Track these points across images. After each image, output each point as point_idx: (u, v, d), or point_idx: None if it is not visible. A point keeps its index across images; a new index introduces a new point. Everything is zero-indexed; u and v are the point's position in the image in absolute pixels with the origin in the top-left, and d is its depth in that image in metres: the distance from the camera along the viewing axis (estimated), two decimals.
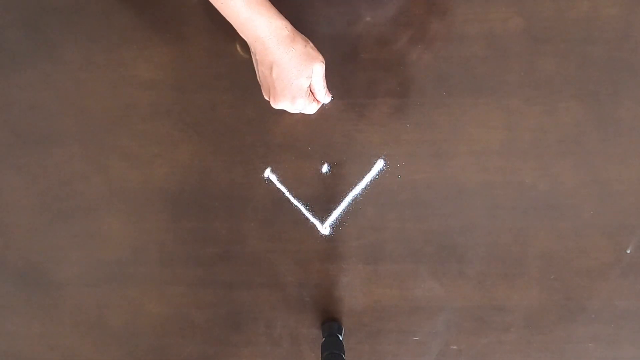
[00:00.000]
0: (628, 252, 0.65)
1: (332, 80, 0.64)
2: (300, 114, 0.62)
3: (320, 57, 0.58)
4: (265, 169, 0.66)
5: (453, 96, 0.65)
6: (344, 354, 0.61)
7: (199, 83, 0.66)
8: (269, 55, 0.55)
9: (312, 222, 0.67)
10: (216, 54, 0.66)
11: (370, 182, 0.66)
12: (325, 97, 0.62)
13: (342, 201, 0.66)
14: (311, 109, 0.61)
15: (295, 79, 0.56)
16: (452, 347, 0.67)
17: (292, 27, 0.57)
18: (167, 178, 0.67)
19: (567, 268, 0.66)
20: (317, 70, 0.58)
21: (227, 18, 0.55)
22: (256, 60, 0.58)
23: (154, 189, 0.67)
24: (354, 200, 0.66)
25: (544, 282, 0.66)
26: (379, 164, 0.66)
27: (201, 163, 0.66)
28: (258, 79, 0.60)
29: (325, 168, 0.66)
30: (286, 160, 0.66)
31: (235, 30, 0.55)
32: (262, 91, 0.60)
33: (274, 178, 0.66)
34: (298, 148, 0.66)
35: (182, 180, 0.67)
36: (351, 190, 0.66)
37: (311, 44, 0.58)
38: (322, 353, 0.62)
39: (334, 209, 0.66)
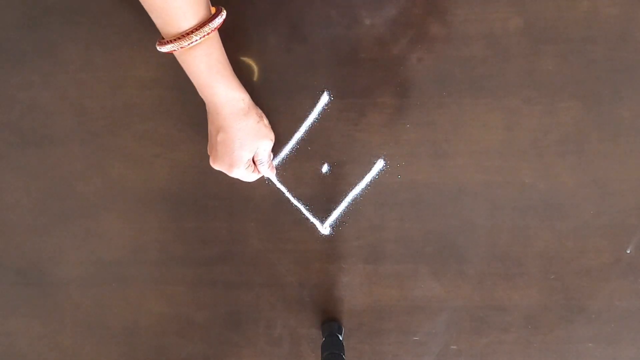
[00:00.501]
0: (628, 252, 0.65)
1: (333, 80, 0.64)
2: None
3: (271, 135, 0.61)
4: None
5: (453, 96, 0.65)
6: (344, 354, 0.61)
7: None
8: (219, 120, 0.56)
9: (312, 222, 0.67)
10: None
11: (370, 182, 0.66)
12: (267, 171, 0.63)
13: (342, 201, 0.66)
14: (250, 178, 0.62)
15: (238, 149, 0.57)
16: (452, 347, 0.67)
17: (251, 100, 0.58)
18: (167, 178, 0.67)
19: (567, 268, 0.66)
20: (263, 146, 0.60)
21: (189, 76, 0.55)
22: (208, 118, 0.59)
23: (154, 189, 0.67)
24: (354, 200, 0.66)
25: (544, 282, 0.66)
26: (379, 164, 0.66)
27: (201, 163, 0.66)
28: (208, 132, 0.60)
29: (325, 168, 0.66)
30: (286, 160, 0.66)
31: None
32: (208, 147, 0.61)
33: (274, 178, 0.66)
34: (298, 148, 0.66)
35: (182, 180, 0.67)
36: (351, 190, 0.66)
37: (266, 121, 0.60)
38: (322, 353, 0.62)
39: (334, 209, 0.66)
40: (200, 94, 0.57)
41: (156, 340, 0.69)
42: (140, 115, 0.67)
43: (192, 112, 0.66)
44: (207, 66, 0.53)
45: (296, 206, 0.67)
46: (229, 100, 0.56)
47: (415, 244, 0.66)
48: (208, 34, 0.51)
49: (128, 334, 0.69)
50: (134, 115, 0.67)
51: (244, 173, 0.60)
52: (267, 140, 0.60)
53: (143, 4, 0.50)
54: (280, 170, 0.66)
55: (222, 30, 0.54)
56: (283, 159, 0.66)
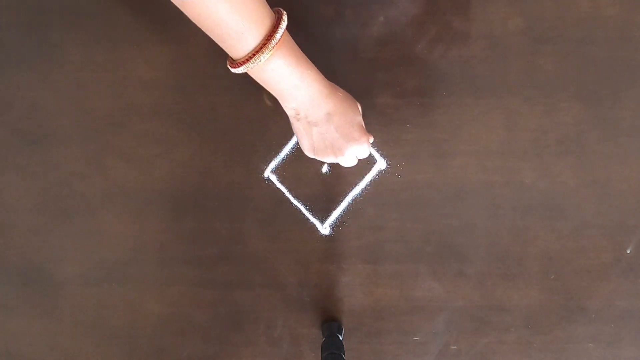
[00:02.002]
0: (628, 252, 0.65)
1: (333, 80, 0.64)
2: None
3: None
4: (265, 169, 0.66)
5: (453, 96, 0.65)
6: (344, 354, 0.61)
7: (199, 83, 0.66)
8: (322, 108, 0.54)
9: (312, 222, 0.67)
10: (216, 54, 0.66)
11: (370, 182, 0.66)
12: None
13: (342, 201, 0.66)
14: (366, 152, 0.59)
15: (354, 119, 0.56)
16: (452, 347, 0.67)
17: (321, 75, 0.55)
18: (167, 178, 0.67)
19: (567, 268, 0.66)
20: (360, 110, 0.58)
21: (274, 86, 0.52)
22: (307, 123, 0.55)
23: (154, 189, 0.67)
24: (354, 200, 0.66)
25: (544, 282, 0.66)
26: (379, 164, 0.66)
27: (201, 163, 0.66)
28: (309, 146, 0.57)
29: (325, 168, 0.66)
30: (286, 160, 0.66)
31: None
32: (323, 155, 0.57)
33: (274, 178, 0.66)
34: (298, 148, 0.66)
35: (182, 180, 0.67)
36: (351, 190, 0.66)
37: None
38: (322, 353, 0.62)
39: (334, 209, 0.66)
40: (296, 92, 0.52)
41: (156, 340, 0.69)
42: (140, 115, 0.67)
43: (192, 112, 0.66)
44: (288, 69, 0.50)
45: (296, 206, 0.67)
46: (324, 81, 0.54)
47: (415, 244, 0.66)
48: (274, 47, 0.48)
49: (128, 334, 0.69)
50: (134, 115, 0.67)
51: (369, 140, 0.57)
52: (358, 103, 0.59)
53: (204, 30, 0.48)
54: (281, 170, 0.66)
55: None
56: (283, 159, 0.66)
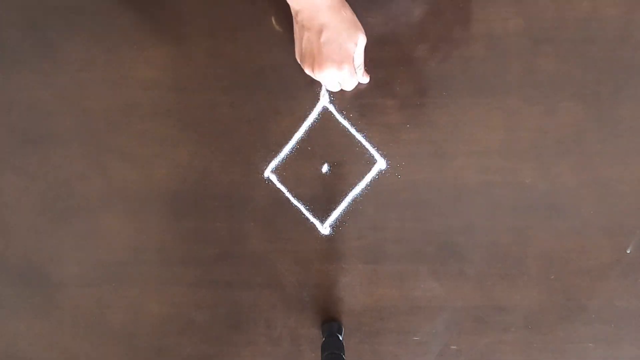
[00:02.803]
0: (628, 252, 0.65)
1: None
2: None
3: (363, 30, 0.58)
4: (265, 169, 0.66)
5: (453, 96, 0.65)
6: (344, 354, 0.61)
7: (199, 83, 0.66)
8: (319, 18, 0.54)
9: (312, 222, 0.67)
10: (216, 54, 0.66)
11: (370, 182, 0.66)
12: (363, 77, 0.62)
13: (342, 201, 0.66)
14: (352, 82, 0.60)
15: (344, 42, 0.55)
16: (452, 347, 0.67)
17: None
18: (167, 178, 0.67)
19: (567, 268, 0.66)
20: (361, 40, 0.57)
21: None
22: (302, 26, 0.56)
23: (154, 189, 0.67)
24: (354, 200, 0.66)
25: (544, 282, 0.66)
26: (379, 164, 0.66)
27: (201, 163, 0.66)
28: (298, 51, 0.58)
29: (325, 168, 0.66)
30: (286, 160, 0.66)
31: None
32: (304, 63, 0.58)
33: (274, 178, 0.66)
34: (298, 148, 0.66)
35: (182, 180, 0.67)
36: (351, 190, 0.66)
37: (355, 16, 0.58)
38: (322, 353, 0.62)
39: (334, 209, 0.66)
40: (293, 1, 0.55)
41: (156, 340, 0.69)
42: (140, 115, 0.67)
43: (192, 112, 0.66)
44: None
45: (296, 206, 0.67)
46: None
47: (415, 244, 0.66)
48: None
49: (128, 334, 0.69)
50: (134, 115, 0.67)
51: (351, 71, 0.58)
52: (363, 34, 0.58)
53: None
54: (281, 170, 0.66)
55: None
56: (283, 159, 0.66)
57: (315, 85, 0.65)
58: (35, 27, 0.66)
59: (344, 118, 0.65)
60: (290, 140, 0.66)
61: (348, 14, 0.56)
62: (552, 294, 0.66)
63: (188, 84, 0.66)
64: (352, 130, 0.65)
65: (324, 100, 0.65)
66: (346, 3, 0.57)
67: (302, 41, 0.57)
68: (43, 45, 0.66)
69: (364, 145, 0.65)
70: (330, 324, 0.66)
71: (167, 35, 0.66)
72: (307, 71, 0.59)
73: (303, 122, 0.66)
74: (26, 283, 0.69)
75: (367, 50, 0.64)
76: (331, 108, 0.65)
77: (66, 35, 0.66)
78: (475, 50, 0.64)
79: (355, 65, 0.59)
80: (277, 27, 0.65)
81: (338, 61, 0.56)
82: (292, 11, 0.57)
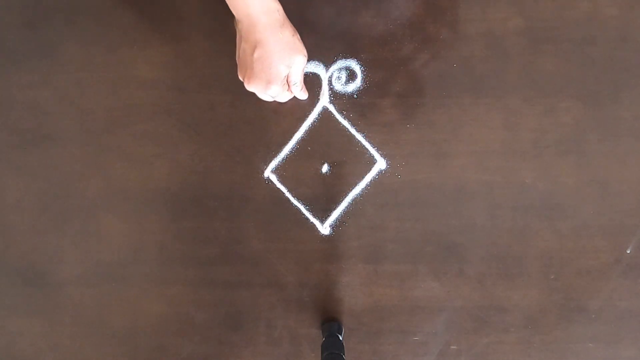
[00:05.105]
0: (628, 252, 0.65)
1: (333, 80, 0.64)
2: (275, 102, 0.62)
3: (304, 51, 0.58)
4: (265, 169, 0.66)
5: (453, 96, 0.65)
6: (344, 354, 0.61)
7: (199, 83, 0.66)
8: (255, 34, 0.55)
9: (312, 222, 0.67)
10: (216, 54, 0.66)
11: (370, 182, 0.66)
12: (300, 93, 0.62)
13: (342, 201, 0.66)
14: (284, 97, 0.61)
15: (275, 64, 0.56)
16: (452, 347, 0.67)
17: (284, 14, 0.56)
18: (167, 178, 0.67)
19: (567, 268, 0.66)
20: (298, 62, 0.58)
21: None
22: (240, 37, 0.57)
23: (154, 189, 0.67)
24: (354, 200, 0.66)
25: (544, 282, 0.66)
26: (379, 164, 0.66)
27: (201, 163, 0.66)
28: (237, 57, 0.59)
29: (325, 168, 0.66)
30: (286, 160, 0.66)
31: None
32: (238, 70, 0.59)
33: (274, 178, 0.66)
34: (298, 148, 0.66)
35: (182, 180, 0.67)
36: (351, 190, 0.66)
37: (298, 36, 0.58)
38: (322, 353, 0.62)
39: (334, 209, 0.66)
40: (233, 10, 0.55)
41: (156, 340, 0.69)
42: (140, 115, 0.67)
43: (192, 112, 0.66)
44: None
45: (296, 206, 0.67)
46: (264, 11, 0.54)
47: (415, 244, 0.66)
48: None
49: (128, 334, 0.69)
50: (134, 115, 0.67)
51: (279, 90, 0.58)
52: (302, 56, 0.58)
53: None
54: (281, 170, 0.66)
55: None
56: (283, 159, 0.66)
57: (315, 86, 0.65)
58: (35, 27, 0.66)
59: (344, 118, 0.65)
60: (290, 140, 0.66)
61: (286, 35, 0.56)
62: (552, 294, 0.66)
63: (188, 84, 0.66)
64: (352, 130, 0.65)
65: (324, 100, 0.65)
66: (288, 24, 0.57)
67: (239, 50, 0.58)
68: (43, 45, 0.66)
69: (364, 145, 0.65)
70: (330, 324, 0.66)
71: (167, 35, 0.66)
72: (241, 78, 0.59)
73: (303, 122, 0.66)
74: (26, 283, 0.69)
75: (367, 50, 0.64)
76: (331, 108, 0.65)
77: (66, 35, 0.66)
78: (475, 50, 0.64)
79: (291, 83, 0.60)
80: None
81: (265, 80, 0.57)
82: (235, 16, 0.57)
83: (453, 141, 0.65)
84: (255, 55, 0.55)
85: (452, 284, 0.66)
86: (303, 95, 0.63)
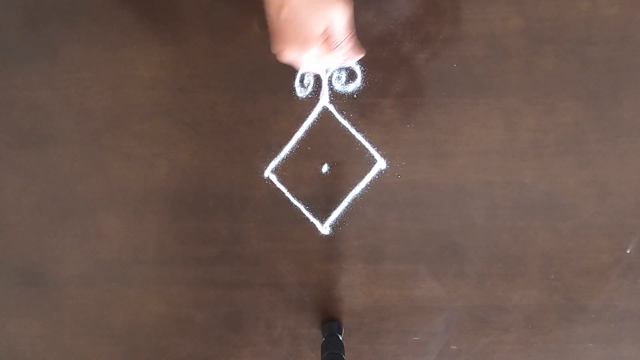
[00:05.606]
0: (628, 252, 0.65)
1: (332, 80, 0.64)
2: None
3: (342, 2, 0.48)
4: (265, 169, 0.66)
5: (453, 96, 0.65)
6: (344, 354, 0.61)
7: (199, 83, 0.66)
8: None
9: (312, 222, 0.67)
10: (216, 54, 0.66)
11: (370, 182, 0.66)
12: (352, 51, 0.52)
13: (342, 201, 0.66)
14: (334, 61, 0.52)
15: (308, 20, 0.47)
16: (452, 347, 0.67)
17: None
18: (167, 178, 0.67)
19: (567, 268, 0.66)
20: (336, 13, 0.48)
21: None
22: (267, 3, 0.49)
23: (154, 189, 0.67)
24: (354, 200, 0.66)
25: (544, 282, 0.66)
26: (379, 164, 0.66)
27: (201, 163, 0.66)
28: (268, 20, 0.51)
29: (325, 168, 0.66)
30: (286, 160, 0.66)
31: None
32: (271, 45, 0.51)
33: (274, 178, 0.66)
34: (298, 148, 0.66)
35: (182, 180, 0.67)
36: (351, 190, 0.66)
37: None
38: (322, 353, 0.62)
39: (334, 209, 0.66)
40: None
41: (156, 340, 0.69)
42: (140, 115, 0.67)
43: (192, 112, 0.66)
44: None
45: (296, 206, 0.67)
46: None
47: (415, 244, 0.66)
48: None
49: (128, 334, 0.69)
50: (134, 115, 0.67)
51: (321, 52, 0.49)
52: (341, 7, 0.48)
53: None
54: (281, 170, 0.66)
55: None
56: (283, 159, 0.66)
57: (315, 86, 0.65)
58: (35, 27, 0.66)
59: (344, 118, 0.65)
60: (290, 140, 0.66)
61: None
62: (552, 294, 0.66)
63: (188, 84, 0.66)
64: (352, 130, 0.65)
65: (324, 100, 0.65)
66: None
67: (268, 18, 0.49)
68: (43, 45, 0.66)
69: (364, 145, 0.65)
70: (330, 324, 0.66)
71: (167, 35, 0.66)
72: (274, 53, 0.51)
73: (303, 122, 0.66)
74: (26, 283, 0.69)
75: (368, 50, 0.64)
76: (331, 108, 0.65)
77: (66, 35, 0.66)
78: (475, 50, 0.64)
79: (336, 42, 0.50)
80: (257, 30, 0.64)
81: (300, 42, 0.48)
82: None
83: (453, 141, 0.65)
84: (283, 16, 0.47)
85: (452, 284, 0.66)
86: (358, 54, 0.53)
